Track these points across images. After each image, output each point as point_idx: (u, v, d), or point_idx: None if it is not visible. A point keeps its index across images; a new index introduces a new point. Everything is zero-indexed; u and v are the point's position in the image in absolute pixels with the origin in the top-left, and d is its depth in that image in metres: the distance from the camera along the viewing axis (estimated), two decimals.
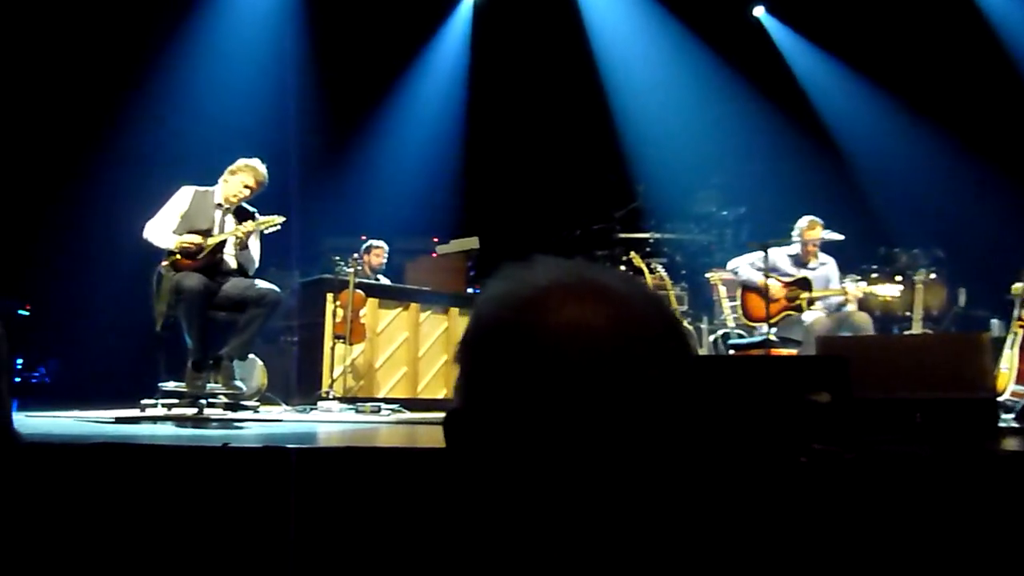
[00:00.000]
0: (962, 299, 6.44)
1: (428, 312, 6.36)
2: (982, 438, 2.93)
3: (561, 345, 0.59)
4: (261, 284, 4.48)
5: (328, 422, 4.30)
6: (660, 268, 6.30)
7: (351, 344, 5.57)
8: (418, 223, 8.09)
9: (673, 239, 7.30)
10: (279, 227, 4.56)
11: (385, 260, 6.68)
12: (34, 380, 7.11)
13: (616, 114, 8.08)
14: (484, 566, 0.62)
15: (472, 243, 6.79)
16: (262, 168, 4.62)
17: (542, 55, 7.80)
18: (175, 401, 4.21)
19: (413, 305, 6.28)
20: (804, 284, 5.61)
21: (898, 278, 6.23)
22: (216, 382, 4.32)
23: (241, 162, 4.61)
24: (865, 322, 5.42)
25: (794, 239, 5.74)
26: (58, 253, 6.47)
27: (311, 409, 4.97)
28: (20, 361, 6.88)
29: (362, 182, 8.02)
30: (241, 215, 4.63)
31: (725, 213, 7.24)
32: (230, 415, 4.19)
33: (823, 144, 7.54)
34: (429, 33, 8.36)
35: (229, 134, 4.75)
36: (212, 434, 3.18)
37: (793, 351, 5.28)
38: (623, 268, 6.50)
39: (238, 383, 4.43)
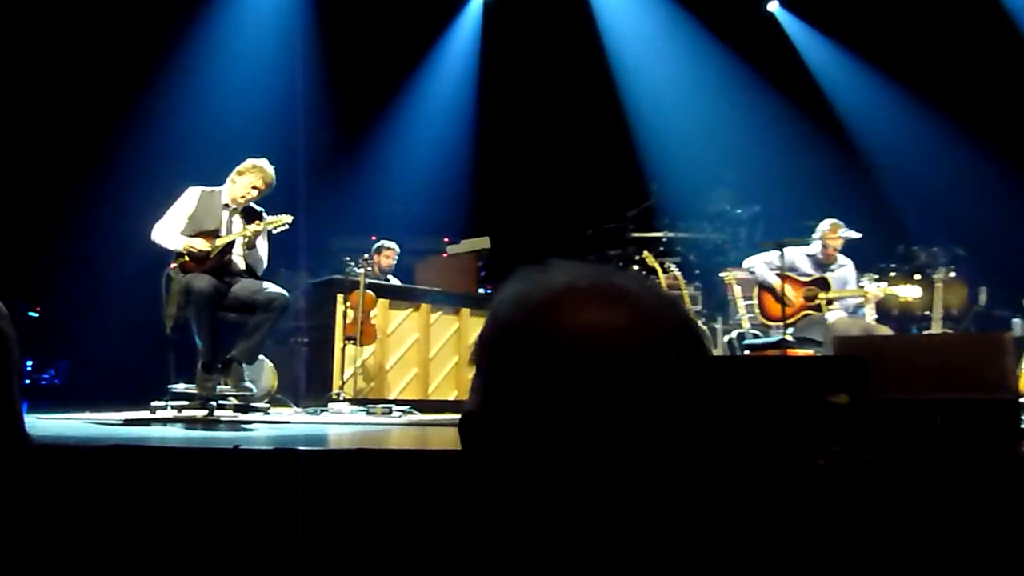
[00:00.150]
0: (982, 298, 6.39)
1: (439, 313, 6.37)
2: (1004, 440, 2.90)
3: (577, 347, 0.60)
4: (270, 287, 4.50)
5: (339, 424, 4.31)
6: (674, 268, 6.28)
7: (361, 345, 5.59)
8: (428, 223, 8.10)
9: (687, 238, 7.29)
10: (287, 227, 4.57)
11: (396, 261, 6.70)
12: (44, 382, 7.16)
13: (628, 111, 8.05)
14: (499, 572, 0.62)
15: (483, 243, 6.79)
16: (270, 169, 4.63)
17: (553, 52, 7.80)
18: (185, 403, 4.23)
19: (424, 306, 6.29)
20: (822, 284, 5.58)
21: (917, 277, 6.20)
22: (226, 384, 4.34)
23: (249, 163, 4.62)
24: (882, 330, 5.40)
25: (814, 240, 5.70)
26: (68, 255, 6.52)
27: (321, 411, 4.99)
28: (30, 363, 6.94)
29: (372, 181, 8.04)
30: (249, 215, 4.65)
31: (739, 211, 7.21)
32: (240, 417, 4.21)
33: (839, 141, 7.49)
34: (439, 30, 8.36)
35: (237, 134, 4.77)
36: (222, 436, 3.19)
37: (810, 351, 5.25)
38: (636, 268, 6.49)
39: (248, 385, 4.45)
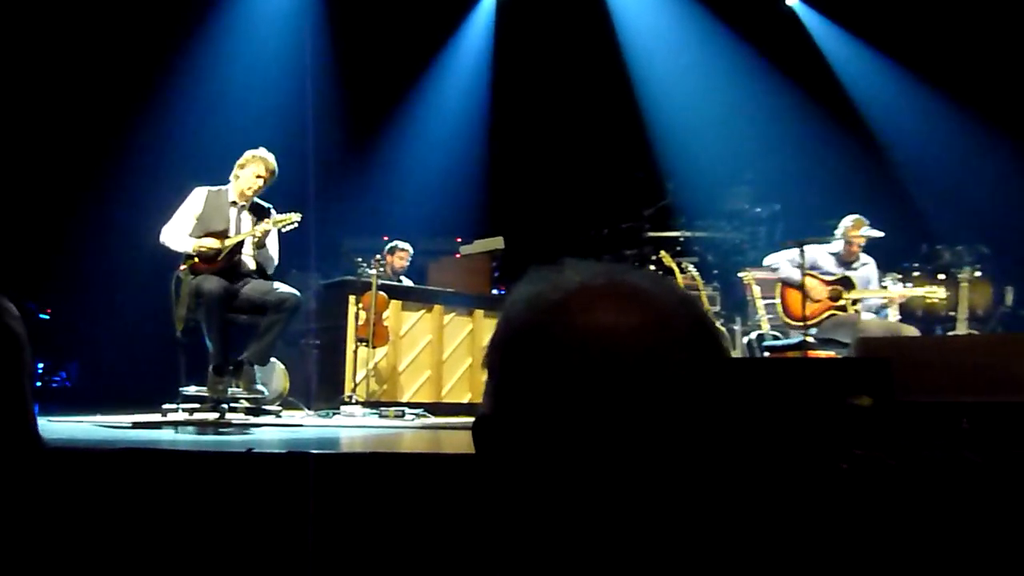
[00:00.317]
0: (1009, 298, 6.33)
1: (452, 314, 6.38)
2: None
3: (593, 349, 0.59)
4: (281, 288, 4.52)
5: (351, 427, 4.33)
6: (691, 267, 6.25)
7: (374, 347, 5.60)
8: (441, 223, 8.11)
9: (704, 237, 7.26)
10: (296, 225, 4.59)
11: (408, 262, 6.71)
12: (55, 384, 7.23)
13: (644, 108, 8.03)
14: None
15: (497, 243, 6.79)
16: (270, 156, 4.65)
17: (567, 48, 7.79)
18: (196, 406, 4.26)
19: (437, 307, 6.30)
20: (846, 283, 5.53)
21: (941, 276, 6.14)
22: (237, 386, 4.36)
23: (247, 154, 4.65)
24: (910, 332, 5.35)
25: (837, 237, 5.66)
26: (78, 257, 6.57)
27: (333, 414, 5.00)
28: (41, 365, 7.01)
29: (384, 181, 8.06)
30: (257, 213, 4.68)
31: (758, 210, 7.17)
32: (252, 420, 4.23)
33: (861, 137, 7.43)
34: (451, 27, 8.38)
35: (247, 134, 4.80)
36: (234, 439, 3.21)
37: (831, 353, 5.21)
38: (653, 268, 6.47)
39: (259, 387, 4.47)
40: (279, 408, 4.94)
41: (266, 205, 4.76)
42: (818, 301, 5.47)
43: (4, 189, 6.09)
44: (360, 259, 5.76)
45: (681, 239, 7.13)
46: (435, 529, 2.06)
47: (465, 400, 6.18)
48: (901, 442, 2.45)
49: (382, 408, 5.13)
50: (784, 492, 1.96)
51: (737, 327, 6.47)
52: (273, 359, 4.97)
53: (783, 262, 5.64)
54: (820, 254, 5.65)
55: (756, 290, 5.97)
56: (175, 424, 3.84)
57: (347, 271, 6.15)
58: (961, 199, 6.67)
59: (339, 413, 5.01)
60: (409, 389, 6.06)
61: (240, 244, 4.52)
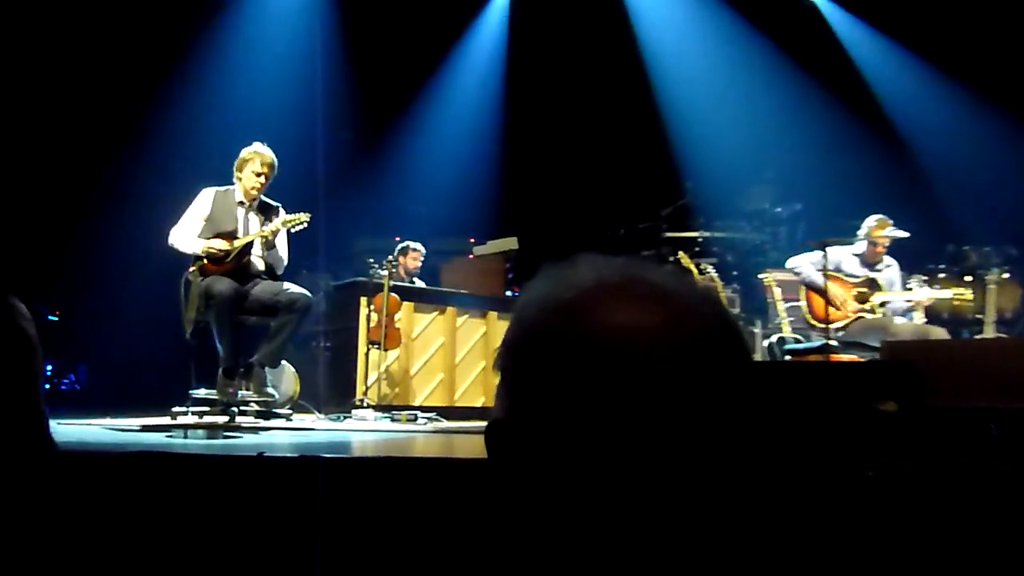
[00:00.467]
0: None
1: (465, 316, 6.38)
2: None
3: (610, 350, 0.58)
4: (292, 288, 4.54)
5: (363, 431, 4.34)
6: (710, 269, 6.23)
7: (386, 350, 5.61)
8: (453, 223, 8.12)
9: (724, 238, 7.22)
10: (306, 225, 4.61)
11: (421, 263, 6.72)
12: (63, 387, 7.29)
13: (662, 105, 7.99)
14: None
15: (511, 243, 6.79)
16: (264, 150, 4.66)
17: (582, 43, 7.77)
18: (206, 409, 4.28)
19: (450, 309, 6.30)
20: (872, 285, 5.50)
21: (968, 278, 6.09)
22: (247, 389, 4.39)
23: (243, 153, 4.66)
24: (942, 337, 5.31)
25: (860, 237, 5.63)
26: (87, 258, 6.63)
27: (345, 417, 5.02)
28: (49, 367, 7.06)
29: (396, 180, 8.07)
30: (266, 212, 4.70)
31: (779, 210, 7.13)
32: (262, 423, 4.25)
33: (885, 135, 7.37)
34: (465, 23, 8.38)
35: (257, 133, 4.82)
36: (244, 443, 3.23)
37: (854, 356, 5.18)
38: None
39: (270, 390, 4.50)
40: (289, 411, 4.96)
41: (275, 204, 4.78)
42: (844, 304, 5.44)
43: (13, 190, 6.15)
44: (372, 260, 5.78)
45: (700, 240, 7.09)
46: (448, 536, 2.06)
47: (479, 404, 6.17)
48: (928, 449, 2.43)
49: (394, 412, 5.14)
50: (808, 501, 1.95)
51: (757, 330, 6.44)
52: (284, 362, 4.99)
53: (806, 265, 5.60)
54: (844, 255, 5.61)
55: (777, 292, 5.94)
56: (185, 427, 3.86)
57: (358, 272, 6.17)
58: (989, 198, 6.61)
59: (350, 417, 5.03)
60: (421, 392, 6.07)
61: (249, 245, 4.54)
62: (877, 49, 7.69)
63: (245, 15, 7.26)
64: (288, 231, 4.66)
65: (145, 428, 3.70)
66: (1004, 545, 1.95)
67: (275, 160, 4.67)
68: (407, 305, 6.00)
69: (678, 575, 0.58)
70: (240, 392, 4.36)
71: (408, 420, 4.94)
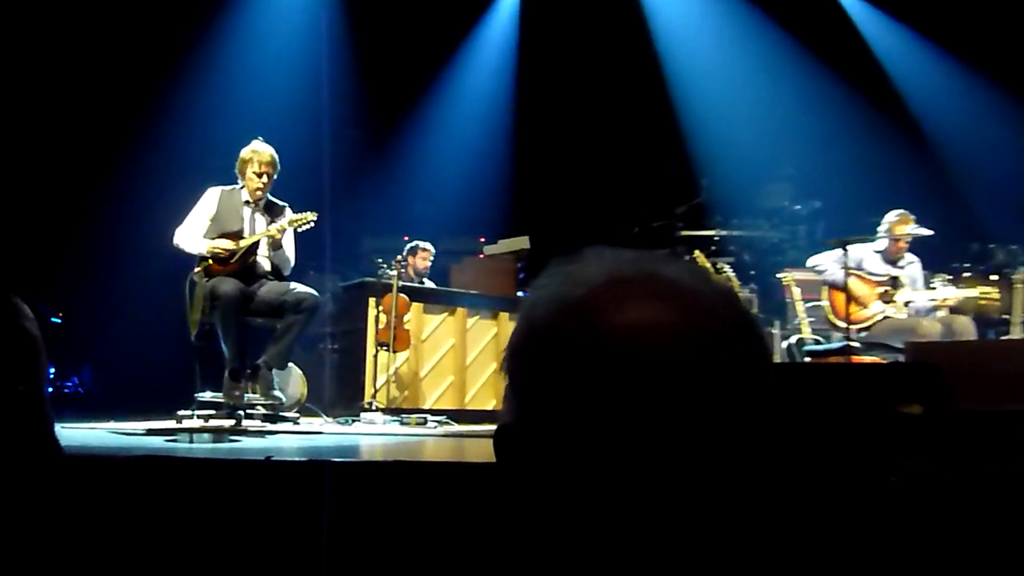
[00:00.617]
0: None
1: (476, 317, 6.39)
2: None
3: (622, 350, 0.57)
4: (298, 288, 4.55)
5: (371, 434, 4.35)
6: (727, 268, 6.21)
7: (395, 352, 5.62)
8: (463, 222, 8.12)
9: (741, 236, 7.21)
10: (313, 224, 4.62)
11: (431, 263, 6.73)
12: (67, 390, 7.33)
13: (677, 100, 7.98)
14: None
15: (522, 243, 6.79)
16: (263, 148, 4.66)
17: (594, 37, 7.76)
18: (212, 412, 4.30)
19: (460, 310, 6.31)
20: (896, 283, 5.48)
21: (994, 277, 6.04)
22: (254, 392, 4.40)
23: (242, 153, 4.68)
24: (967, 328, 5.28)
25: (881, 234, 5.60)
26: (91, 259, 6.67)
27: (353, 421, 5.03)
28: (52, 370, 7.10)
29: (404, 179, 8.08)
30: (272, 212, 4.71)
31: (798, 208, 7.11)
32: (269, 427, 4.26)
33: (907, 131, 7.33)
34: (475, 17, 8.39)
35: (263, 132, 4.84)
36: (250, 447, 3.24)
37: (877, 358, 5.15)
38: None
39: (277, 393, 4.51)
40: (297, 415, 4.97)
41: (282, 204, 4.79)
42: (869, 303, 5.41)
43: (16, 191, 6.20)
44: (380, 260, 5.79)
45: (716, 238, 7.07)
46: (458, 543, 2.06)
47: (490, 407, 6.18)
48: (953, 453, 2.41)
49: (403, 415, 5.15)
50: (830, 506, 1.94)
51: (776, 331, 6.41)
52: (291, 364, 5.01)
53: (828, 263, 5.58)
54: (866, 253, 5.59)
55: (796, 292, 5.91)
56: (190, 431, 3.88)
57: (367, 272, 6.18)
58: (1016, 194, 6.55)
59: (359, 420, 5.04)
60: (431, 395, 6.08)
61: (255, 245, 4.56)
62: (899, 41, 7.65)
63: (251, 12, 7.29)
64: (295, 231, 4.67)
65: (150, 432, 3.71)
66: None
67: (274, 156, 4.67)
68: (416, 306, 6.01)
69: None
70: (246, 395, 4.38)
71: (418, 424, 4.95)
